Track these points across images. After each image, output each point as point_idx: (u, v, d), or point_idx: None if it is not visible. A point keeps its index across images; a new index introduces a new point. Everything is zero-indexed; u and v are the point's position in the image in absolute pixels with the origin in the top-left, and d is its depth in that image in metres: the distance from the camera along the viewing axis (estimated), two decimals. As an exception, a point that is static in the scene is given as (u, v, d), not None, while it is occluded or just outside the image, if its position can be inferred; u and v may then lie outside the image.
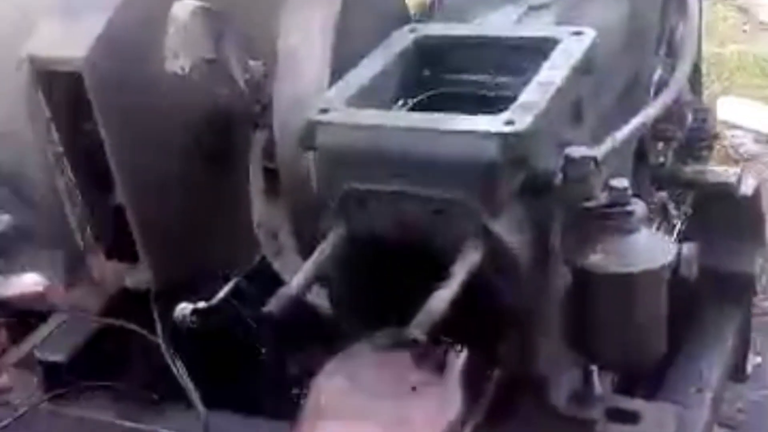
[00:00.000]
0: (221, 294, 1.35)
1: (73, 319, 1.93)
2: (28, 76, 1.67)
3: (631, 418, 1.45)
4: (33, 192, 1.78)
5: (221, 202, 1.85)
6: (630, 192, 1.23)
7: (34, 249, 1.90)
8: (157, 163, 1.77)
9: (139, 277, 1.83)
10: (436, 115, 1.27)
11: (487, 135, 1.20)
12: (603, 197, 1.23)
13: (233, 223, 1.83)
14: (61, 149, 1.73)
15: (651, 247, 1.24)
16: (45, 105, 1.71)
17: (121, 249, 1.82)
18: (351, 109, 1.29)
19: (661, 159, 1.62)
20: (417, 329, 1.13)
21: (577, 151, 1.22)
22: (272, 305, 1.21)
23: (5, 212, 1.79)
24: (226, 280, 1.78)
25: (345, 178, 1.28)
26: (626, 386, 1.60)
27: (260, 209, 1.78)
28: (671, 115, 1.55)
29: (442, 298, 1.16)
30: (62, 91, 1.71)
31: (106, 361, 1.90)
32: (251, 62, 1.71)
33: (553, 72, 1.29)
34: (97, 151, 1.73)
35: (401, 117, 1.31)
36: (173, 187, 1.80)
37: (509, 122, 1.20)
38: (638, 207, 1.24)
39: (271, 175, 1.76)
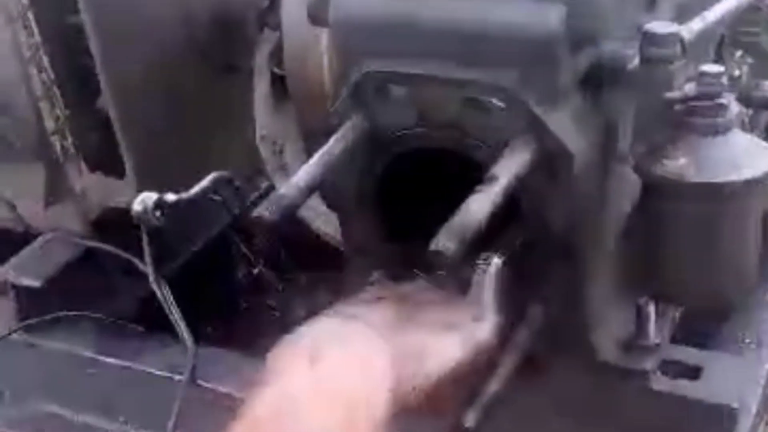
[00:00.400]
0: (197, 187, 1.03)
1: (53, 241, 1.63)
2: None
3: (691, 371, 1.16)
4: (4, 92, 1.46)
5: (220, 112, 1.54)
6: (725, 80, 0.91)
7: (9, 160, 1.60)
8: (148, 65, 1.48)
9: (125, 193, 1.52)
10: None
11: (546, -1, 0.89)
12: (689, 89, 0.91)
13: (233, 135, 1.53)
14: (38, 40, 1.42)
15: (748, 152, 0.92)
16: (21, -11, 1.40)
17: (105, 160, 1.52)
18: (372, -29, 0.98)
19: (737, 72, 1.30)
20: (447, 239, 0.82)
21: (660, 26, 0.90)
22: (265, 209, 0.90)
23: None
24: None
25: (361, 59, 0.97)
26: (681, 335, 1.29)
27: (264, 120, 1.47)
28: (757, 13, 1.23)
29: (480, 203, 0.85)
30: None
31: (87, 287, 1.61)
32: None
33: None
34: (81, 46, 1.43)
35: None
36: (165, 93, 1.50)
37: (574, -16, 0.88)
38: (733, 101, 0.92)
39: (278, 81, 1.46)
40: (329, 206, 1.04)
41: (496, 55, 0.91)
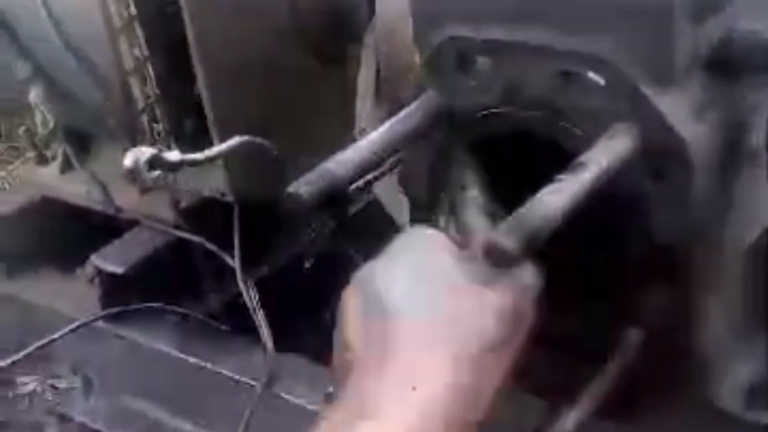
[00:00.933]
0: (214, 149, 0.86)
1: (143, 229, 1.51)
2: None
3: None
4: (98, 66, 1.34)
5: (319, 103, 1.38)
6: None
7: (106, 140, 1.49)
8: (248, 47, 1.33)
9: (215, 183, 1.38)
10: None
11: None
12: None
13: (331, 128, 1.37)
14: (133, 12, 1.29)
15: None
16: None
17: (198, 147, 1.38)
18: None
19: None
20: (509, 236, 0.63)
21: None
22: (303, 185, 0.72)
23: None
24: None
25: (441, 22, 0.79)
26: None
27: (365, 112, 1.30)
28: None
29: (558, 195, 0.65)
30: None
31: (173, 278, 1.48)
32: None
33: None
34: (177, 26, 1.29)
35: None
36: (263, 81, 1.34)
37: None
38: None
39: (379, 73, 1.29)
40: (400, 184, 0.87)
41: (598, 20, 0.72)
